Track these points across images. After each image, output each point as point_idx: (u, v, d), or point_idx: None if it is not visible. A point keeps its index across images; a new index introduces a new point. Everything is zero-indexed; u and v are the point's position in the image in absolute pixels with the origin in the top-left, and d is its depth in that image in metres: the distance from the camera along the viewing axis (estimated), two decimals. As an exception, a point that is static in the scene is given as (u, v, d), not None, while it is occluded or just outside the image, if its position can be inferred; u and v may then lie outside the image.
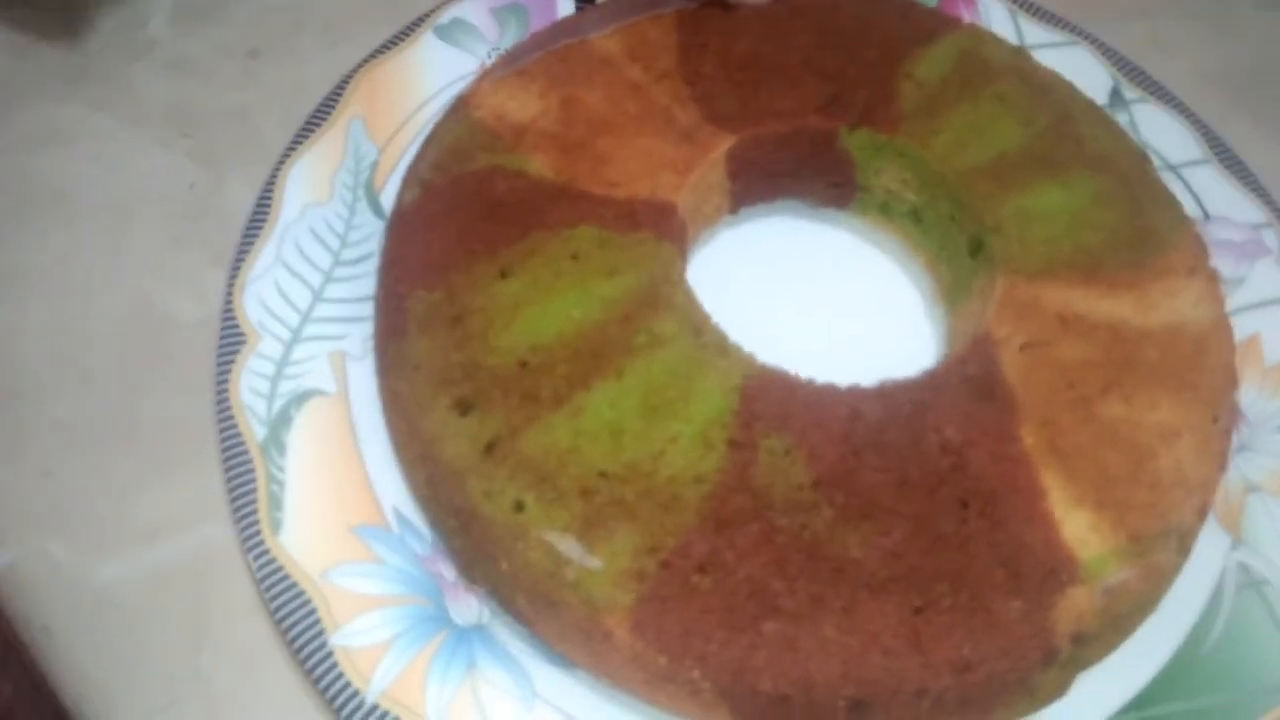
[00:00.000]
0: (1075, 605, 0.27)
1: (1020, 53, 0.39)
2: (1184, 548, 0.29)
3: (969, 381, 0.30)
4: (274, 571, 0.29)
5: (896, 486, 0.28)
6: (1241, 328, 0.36)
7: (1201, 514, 0.29)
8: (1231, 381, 0.31)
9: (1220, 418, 0.30)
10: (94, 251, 0.38)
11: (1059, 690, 0.27)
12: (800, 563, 0.27)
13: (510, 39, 0.41)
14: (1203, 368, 0.31)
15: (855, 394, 0.30)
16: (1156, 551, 0.28)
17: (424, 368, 0.30)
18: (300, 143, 0.38)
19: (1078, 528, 0.28)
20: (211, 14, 0.45)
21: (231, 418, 0.32)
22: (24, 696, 0.34)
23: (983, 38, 0.39)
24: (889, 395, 0.30)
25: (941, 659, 0.26)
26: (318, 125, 0.38)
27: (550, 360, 0.30)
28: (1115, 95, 0.41)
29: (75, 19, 0.44)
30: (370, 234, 0.36)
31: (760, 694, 0.26)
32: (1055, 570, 0.27)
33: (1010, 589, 0.27)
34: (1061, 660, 0.26)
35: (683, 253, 0.34)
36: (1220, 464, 0.30)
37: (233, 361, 0.33)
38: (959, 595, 0.27)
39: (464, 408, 0.30)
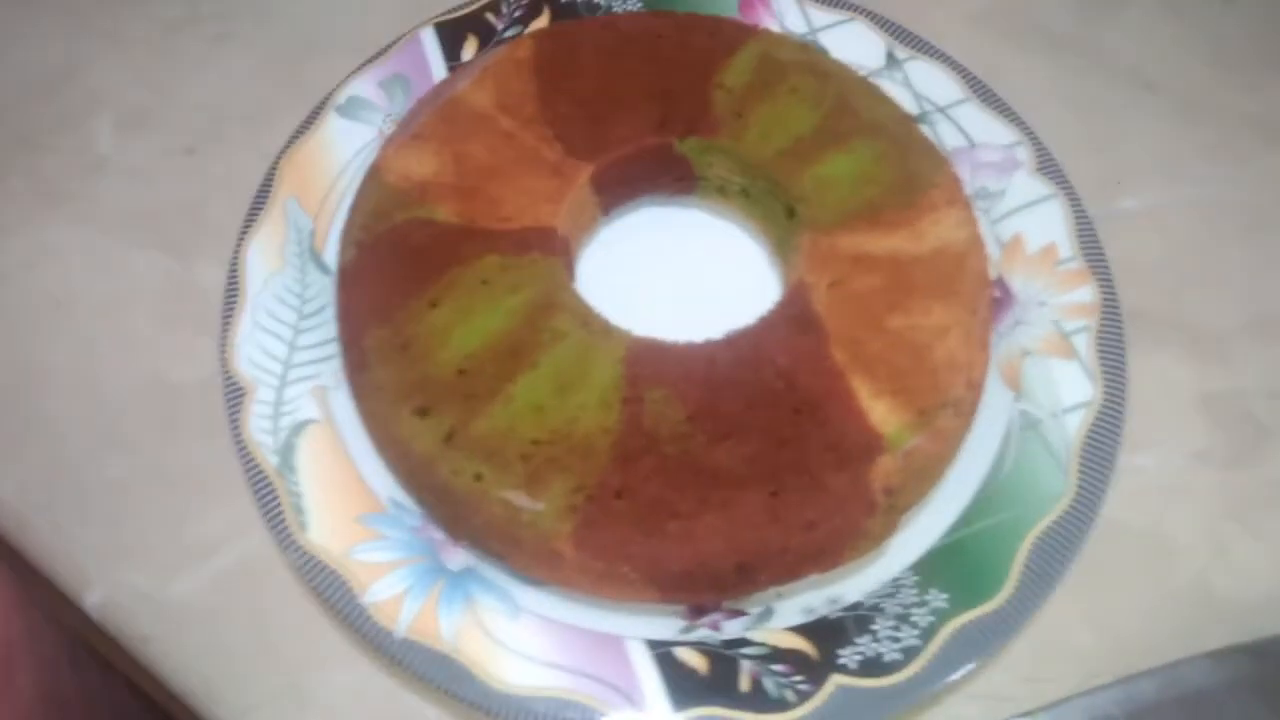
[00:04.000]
0: (884, 468, 0.37)
1: (806, 48, 0.48)
2: (961, 412, 0.39)
3: (791, 320, 0.40)
4: (309, 560, 0.38)
5: (747, 409, 0.38)
6: (1006, 229, 0.46)
7: (971, 386, 0.39)
8: (985, 282, 0.41)
9: (978, 310, 0.40)
10: (102, 343, 0.47)
11: (888, 530, 0.37)
12: (686, 477, 0.36)
13: (398, 104, 0.49)
14: (963, 276, 0.40)
15: (710, 345, 0.40)
16: (939, 420, 0.38)
17: (387, 389, 0.39)
18: (250, 225, 0.46)
19: (880, 413, 0.37)
20: (146, 122, 0.53)
21: (249, 453, 0.40)
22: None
23: (775, 41, 0.47)
24: (734, 342, 0.40)
25: (793, 524, 0.36)
26: (261, 208, 0.46)
27: (481, 364, 0.39)
28: (890, 58, 0.50)
29: (32, 148, 0.52)
30: (321, 289, 0.44)
31: (673, 573, 0.36)
32: (868, 447, 0.37)
33: (837, 466, 0.36)
34: (881, 509, 0.36)
35: (568, 263, 0.43)
36: (983, 346, 0.40)
37: (240, 410, 0.42)
38: (801, 478, 0.36)
39: (423, 413, 0.38)
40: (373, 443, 0.41)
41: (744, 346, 0.39)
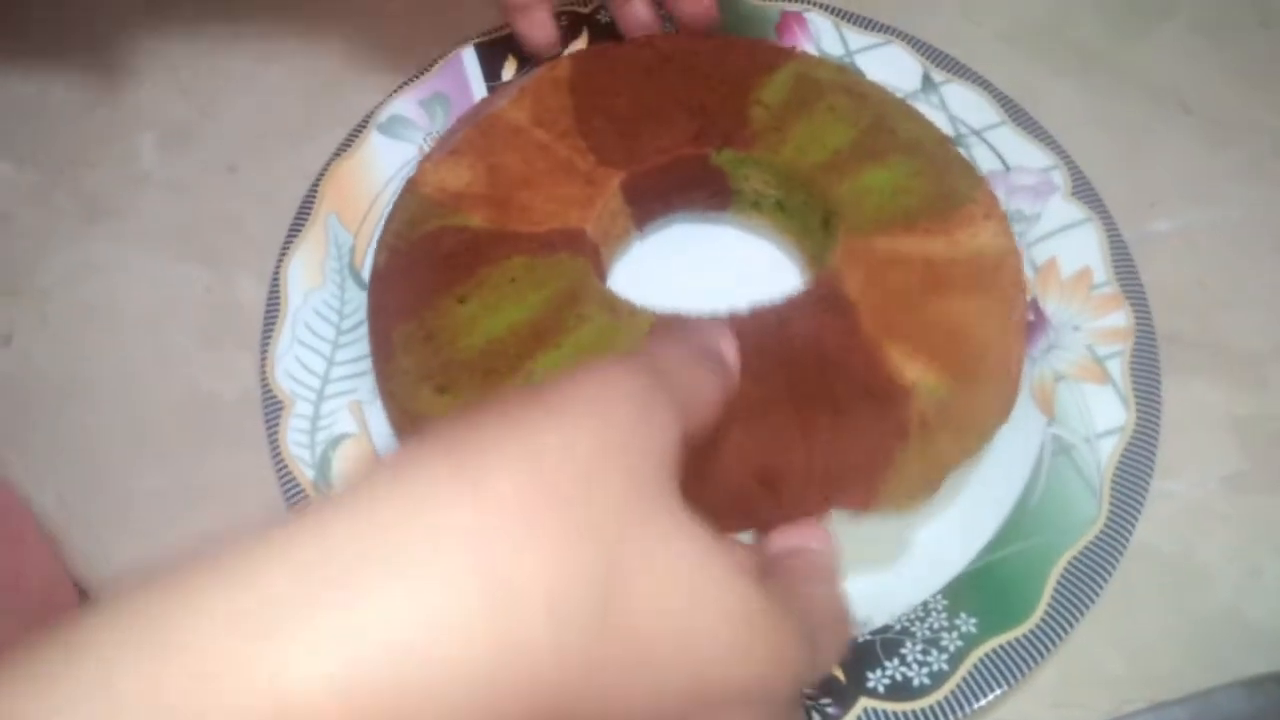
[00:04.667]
0: (919, 402, 0.36)
1: (843, 70, 0.48)
2: (1000, 394, 0.38)
3: (820, 300, 0.39)
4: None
5: (776, 367, 0.36)
6: (1041, 253, 0.46)
7: (1009, 377, 0.38)
8: (1022, 290, 0.40)
9: (1015, 314, 0.39)
10: (143, 355, 0.47)
11: (926, 486, 0.36)
12: None
13: (439, 123, 0.49)
14: (1000, 277, 0.40)
15: (736, 318, 0.38)
16: (977, 385, 0.37)
17: (410, 371, 0.39)
18: (291, 241, 0.46)
19: (915, 372, 0.36)
20: (191, 139, 0.54)
21: (286, 466, 0.41)
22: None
23: (813, 63, 0.47)
24: (760, 315, 0.38)
25: (822, 443, 0.35)
26: (302, 224, 0.46)
27: (503, 346, 0.38)
28: (926, 80, 0.51)
29: (77, 164, 0.53)
30: (360, 305, 0.44)
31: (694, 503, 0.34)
32: (903, 391, 0.36)
33: (867, 397, 0.36)
34: (915, 440, 0.35)
35: (597, 265, 0.42)
36: (1019, 343, 0.39)
37: (278, 424, 0.42)
38: (833, 415, 0.35)
39: (442, 389, 0.38)
40: (393, 428, 0.41)
41: (770, 319, 0.38)
